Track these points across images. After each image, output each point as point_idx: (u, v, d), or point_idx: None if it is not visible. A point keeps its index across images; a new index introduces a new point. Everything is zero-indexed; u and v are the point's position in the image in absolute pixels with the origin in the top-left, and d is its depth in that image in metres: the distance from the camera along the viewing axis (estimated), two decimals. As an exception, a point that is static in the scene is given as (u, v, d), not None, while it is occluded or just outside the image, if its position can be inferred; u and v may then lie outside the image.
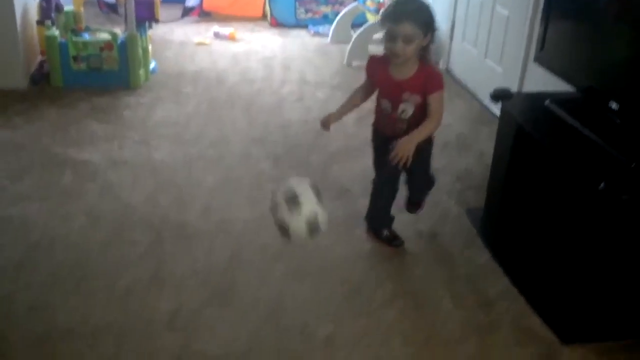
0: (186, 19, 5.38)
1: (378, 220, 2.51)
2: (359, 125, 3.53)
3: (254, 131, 3.44)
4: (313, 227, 1.87)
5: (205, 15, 5.47)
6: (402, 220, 2.62)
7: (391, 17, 2.09)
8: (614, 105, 2.06)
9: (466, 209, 2.72)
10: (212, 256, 2.38)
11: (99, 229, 2.51)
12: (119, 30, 3.98)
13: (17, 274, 2.22)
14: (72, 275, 2.23)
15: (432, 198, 2.74)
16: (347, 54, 4.48)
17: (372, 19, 4.62)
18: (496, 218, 2.52)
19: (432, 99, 2.16)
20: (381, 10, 4.44)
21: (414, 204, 2.56)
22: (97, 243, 2.42)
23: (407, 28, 2.06)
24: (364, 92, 2.37)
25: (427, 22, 2.11)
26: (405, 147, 2.10)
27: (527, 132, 2.23)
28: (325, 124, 2.37)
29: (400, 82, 2.18)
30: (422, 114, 2.19)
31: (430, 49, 2.18)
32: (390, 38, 2.09)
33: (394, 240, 2.48)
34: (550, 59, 2.43)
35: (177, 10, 5.36)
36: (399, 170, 2.33)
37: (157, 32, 4.89)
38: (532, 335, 2.08)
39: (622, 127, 2.02)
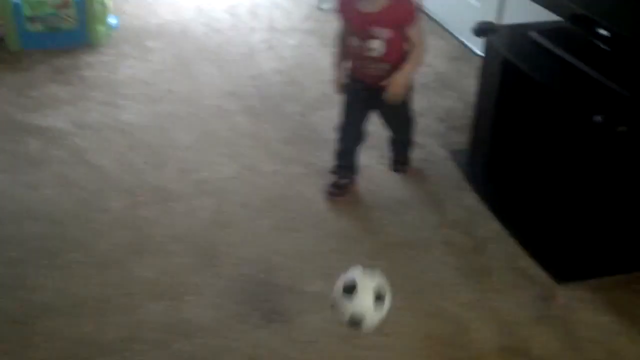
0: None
1: (344, 169, 2.39)
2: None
3: (225, 84, 3.28)
4: (355, 324, 1.65)
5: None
6: (384, 166, 2.54)
7: None
8: (603, 32, 1.96)
9: (451, 150, 2.64)
10: (192, 218, 2.28)
11: (69, 197, 2.38)
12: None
13: (-15, 251, 2.11)
14: (45, 249, 2.11)
15: (416, 140, 2.66)
16: (317, -4, 4.29)
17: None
18: (483, 159, 2.44)
19: (410, 31, 2.06)
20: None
21: (399, 161, 2.47)
22: (69, 212, 2.30)
23: None
24: (343, 37, 2.20)
25: None
26: (399, 82, 2.06)
27: (514, 67, 2.13)
28: (337, 87, 2.27)
29: (369, 15, 2.04)
30: (395, 51, 2.08)
31: None
32: None
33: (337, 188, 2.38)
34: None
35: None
36: (366, 114, 2.29)
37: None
38: (527, 277, 2.04)
39: (612, 55, 1.93)
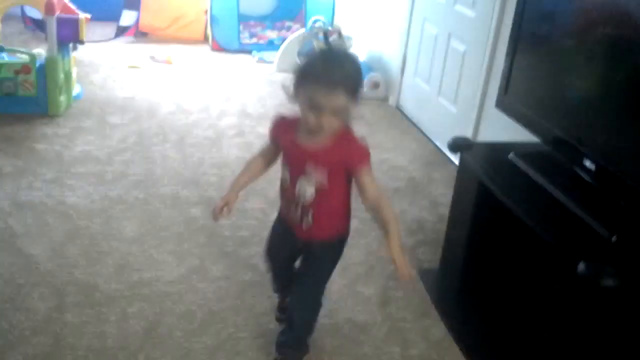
0: (120, 39, 5.00)
1: (285, 290, 2.02)
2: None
3: (186, 170, 3.08)
4: None
5: (141, 35, 5.10)
6: (347, 281, 2.32)
7: (322, 82, 1.53)
8: (589, 164, 1.81)
9: (420, 269, 2.43)
10: (124, 329, 2.00)
11: (-10, 292, 2.10)
12: (43, 51, 3.57)
13: None
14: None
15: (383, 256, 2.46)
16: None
17: (319, 46, 4.34)
18: (454, 283, 2.24)
19: (363, 175, 1.65)
20: (329, 39, 4.19)
21: (284, 343, 1.92)
22: (-15, 312, 2.02)
23: (341, 99, 1.53)
24: (265, 159, 1.84)
25: (359, 85, 1.60)
26: (405, 263, 1.62)
27: (489, 191, 1.96)
28: (217, 212, 1.83)
29: (308, 151, 1.65)
30: (323, 201, 1.69)
31: (350, 117, 1.63)
32: (314, 106, 1.54)
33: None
34: (515, 106, 2.18)
35: (110, 29, 4.97)
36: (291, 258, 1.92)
37: (86, 53, 4.50)
38: None
39: (598, 190, 1.78)
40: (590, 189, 1.80)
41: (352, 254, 2.47)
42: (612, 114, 1.78)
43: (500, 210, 1.91)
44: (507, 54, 2.22)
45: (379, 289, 2.31)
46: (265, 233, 2.56)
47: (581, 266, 1.52)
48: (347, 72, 1.57)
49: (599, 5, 1.87)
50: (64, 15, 3.52)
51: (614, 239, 1.60)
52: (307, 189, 1.69)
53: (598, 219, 1.67)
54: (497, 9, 2.93)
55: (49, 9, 3.44)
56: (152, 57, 4.63)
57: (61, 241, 2.41)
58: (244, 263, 2.40)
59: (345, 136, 1.65)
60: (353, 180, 1.70)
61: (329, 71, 1.55)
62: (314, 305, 1.88)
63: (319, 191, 1.68)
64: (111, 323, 2.02)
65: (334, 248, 1.82)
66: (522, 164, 2.00)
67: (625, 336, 1.61)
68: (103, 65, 4.44)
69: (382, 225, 1.67)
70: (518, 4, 2.19)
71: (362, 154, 1.67)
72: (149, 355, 1.90)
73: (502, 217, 1.93)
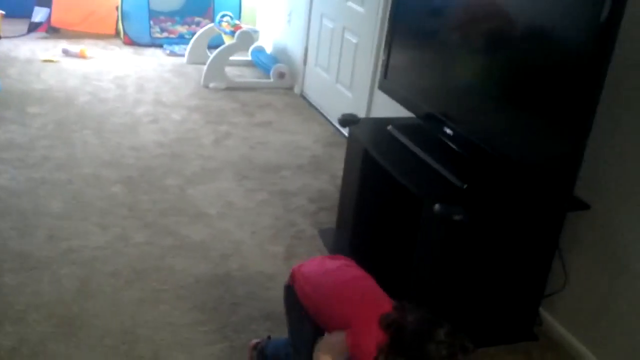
0: (33, 34, 5.10)
1: None
2: (217, 146, 3.55)
3: (105, 154, 3.32)
4: None
5: (53, 31, 5.21)
6: (256, 242, 2.66)
7: None
8: (448, 131, 2.24)
9: (319, 229, 2.82)
10: (58, 287, 2.26)
11: None
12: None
13: None
14: None
15: (287, 217, 2.83)
16: (203, 75, 4.47)
17: (228, 40, 4.65)
18: (347, 237, 2.64)
19: None
20: (237, 32, 4.50)
21: None
22: None
23: None
24: None
25: None
26: None
27: (371, 156, 2.36)
28: None
29: None
30: None
31: None
32: None
33: None
34: (393, 87, 2.60)
35: (23, 26, 5.07)
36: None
37: (1, 48, 4.59)
38: None
39: (456, 151, 2.21)
40: (450, 151, 2.23)
41: (263, 219, 2.83)
42: (465, 92, 2.21)
43: (379, 172, 2.32)
44: (385, 44, 2.64)
45: (285, 247, 2.67)
46: (182, 205, 2.88)
47: (437, 207, 1.93)
48: None
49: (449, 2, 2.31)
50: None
51: (464, 186, 2.03)
52: None
53: (453, 172, 2.09)
54: (382, 5, 3.35)
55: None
56: (66, 51, 4.77)
57: (-8, 218, 2.62)
58: (164, 231, 2.69)
59: None
60: None
61: None
62: None
63: None
64: (45, 283, 2.27)
65: None
66: (397, 134, 2.41)
67: (472, 261, 2.05)
68: (18, 60, 4.55)
69: None
70: (392, 2, 2.61)
71: None
72: (82, 306, 2.18)
73: (381, 177, 2.34)
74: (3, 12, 3.78)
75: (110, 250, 2.51)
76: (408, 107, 2.52)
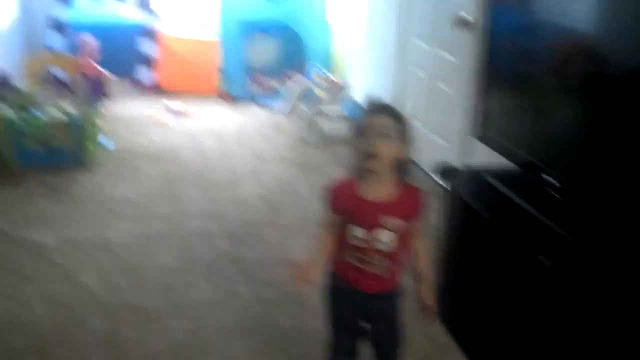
0: (141, 94, 5.46)
1: None
2: (315, 199, 3.63)
3: (211, 207, 3.48)
4: None
5: (159, 91, 5.55)
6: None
7: (367, 111, 1.79)
8: (551, 179, 2.20)
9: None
10: (169, 339, 2.37)
11: (55, 315, 2.48)
12: (69, 106, 4.00)
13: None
14: (28, 364, 2.19)
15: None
16: (300, 128, 4.61)
17: (320, 93, 4.78)
18: (450, 293, 2.60)
19: (416, 225, 1.84)
20: (329, 86, 4.63)
21: None
22: (54, 329, 2.39)
23: (384, 120, 1.73)
24: (332, 232, 1.85)
25: (404, 124, 1.78)
26: (430, 296, 1.89)
27: (472, 208, 2.35)
28: (304, 276, 1.81)
29: (377, 203, 1.77)
30: (402, 246, 1.82)
31: (407, 167, 1.81)
32: (364, 134, 1.73)
33: None
34: (491, 136, 2.58)
35: (131, 86, 5.43)
36: (360, 328, 1.95)
37: (111, 107, 4.94)
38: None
39: (562, 203, 2.16)
40: (554, 200, 2.18)
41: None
42: (568, 138, 2.18)
43: (481, 224, 2.30)
44: (480, 92, 2.65)
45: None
46: (282, 255, 2.95)
47: (542, 258, 1.90)
48: (390, 106, 1.81)
49: (544, 49, 2.30)
50: (92, 75, 3.98)
51: (571, 238, 1.98)
52: (387, 239, 1.77)
53: (559, 223, 2.05)
54: (474, 53, 3.36)
55: (80, 70, 3.90)
56: (171, 110, 5.07)
57: (109, 272, 2.80)
58: (269, 284, 2.76)
59: (407, 186, 1.81)
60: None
61: (374, 104, 1.83)
62: (400, 339, 1.99)
63: (396, 239, 1.78)
64: (157, 335, 2.39)
65: (400, 296, 1.94)
66: (497, 184, 2.39)
67: (580, 317, 1.98)
68: (126, 119, 4.87)
69: (418, 272, 1.87)
70: (486, 50, 2.63)
71: (421, 204, 1.83)
72: (192, 357, 2.27)
73: (483, 229, 2.31)
74: (111, 75, 4.07)
75: (218, 304, 2.60)
76: (507, 155, 2.49)
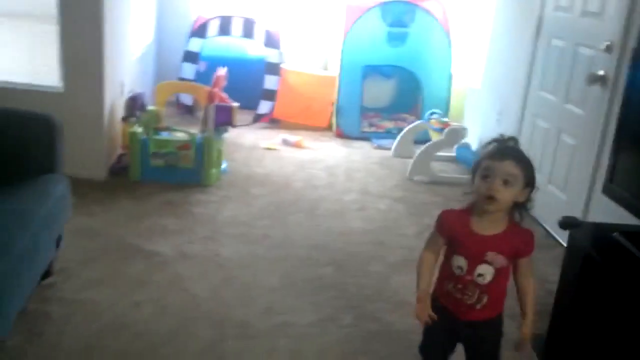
0: (257, 124, 5.67)
1: None
2: (419, 238, 3.59)
3: (317, 236, 3.53)
4: None
5: (274, 122, 5.75)
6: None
7: (493, 153, 1.82)
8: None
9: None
10: (274, 357, 2.41)
11: (165, 320, 2.59)
12: (193, 130, 4.22)
13: (86, 356, 2.31)
14: (137, 363, 2.29)
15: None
16: (409, 168, 4.61)
17: (435, 137, 4.78)
18: (561, 345, 2.48)
19: (526, 262, 1.89)
20: (445, 129, 4.61)
21: None
22: (163, 334, 2.49)
23: (510, 167, 1.78)
24: (435, 254, 1.97)
25: (529, 170, 1.83)
26: (530, 335, 1.90)
27: (595, 261, 2.24)
28: (424, 316, 1.90)
29: (486, 238, 1.84)
30: (499, 282, 1.87)
31: (525, 209, 1.88)
32: (486, 176, 1.79)
33: None
34: (619, 192, 2.47)
35: (249, 116, 5.67)
36: (450, 347, 2.04)
37: (229, 134, 5.16)
38: None
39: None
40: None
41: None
42: None
43: (602, 279, 2.19)
44: (612, 147, 2.56)
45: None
46: (386, 292, 2.94)
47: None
48: (518, 150, 1.85)
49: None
50: (220, 104, 4.19)
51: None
52: (487, 274, 1.84)
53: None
54: (605, 107, 3.25)
55: (210, 98, 4.13)
56: (285, 141, 5.23)
57: (218, 285, 2.89)
58: (370, 316, 2.76)
59: (517, 226, 1.87)
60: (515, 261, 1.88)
61: (501, 146, 1.84)
62: None
63: (497, 274, 1.84)
64: (261, 353, 2.43)
65: (500, 323, 1.98)
66: (624, 241, 2.27)
67: None
68: (243, 146, 5.07)
69: (522, 306, 1.91)
70: (623, 106, 2.54)
71: (532, 242, 1.88)
72: (294, 379, 2.29)
73: (603, 285, 2.20)
74: (238, 104, 4.27)
75: (319, 328, 2.62)
76: (634, 212, 2.38)
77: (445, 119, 4.94)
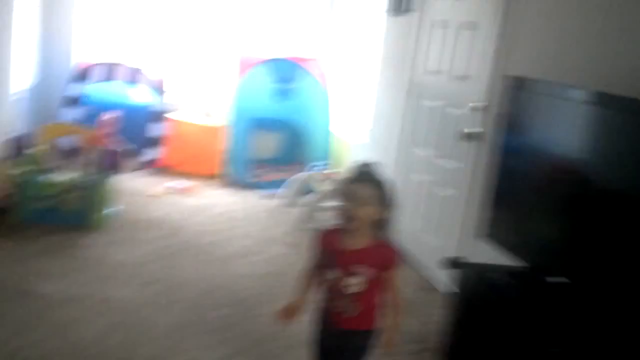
0: (142, 171, 5.62)
1: None
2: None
3: (205, 281, 3.55)
4: None
5: (161, 170, 5.72)
6: None
7: (352, 179, 2.12)
8: (554, 281, 2.34)
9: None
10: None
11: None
12: (78, 172, 4.14)
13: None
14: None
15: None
16: (296, 217, 4.77)
17: (319, 186, 4.99)
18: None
19: (391, 275, 2.15)
20: (328, 180, 4.84)
21: None
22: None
23: (366, 190, 2.06)
24: (317, 269, 2.24)
25: (384, 193, 2.10)
26: (393, 339, 2.16)
27: (473, 302, 2.48)
28: (288, 314, 2.25)
29: (353, 252, 2.12)
30: (368, 293, 2.13)
31: (385, 225, 2.14)
32: (347, 198, 2.07)
33: None
34: (496, 235, 2.72)
35: (135, 162, 5.60)
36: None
37: (116, 180, 5.08)
38: None
39: (566, 303, 2.28)
40: (558, 301, 2.30)
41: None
42: (571, 242, 2.34)
43: (481, 317, 2.42)
44: (488, 198, 2.84)
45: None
46: (280, 332, 3.02)
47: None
48: (372, 175, 2.12)
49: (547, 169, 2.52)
50: (106, 148, 4.17)
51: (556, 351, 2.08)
52: (356, 284, 2.09)
53: (561, 325, 2.16)
54: (471, 160, 3.61)
55: (98, 141, 4.10)
56: (171, 187, 5.22)
57: (102, 331, 2.85)
58: (268, 354, 2.82)
59: (379, 241, 2.13)
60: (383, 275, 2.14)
61: (358, 173, 2.13)
62: None
63: (364, 285, 2.09)
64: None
65: (370, 338, 2.20)
66: (501, 281, 2.50)
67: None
68: (129, 192, 4.99)
69: (390, 315, 2.18)
70: (492, 162, 2.85)
71: (395, 257, 2.15)
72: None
73: (482, 322, 2.43)
74: (123, 150, 4.26)
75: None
76: (511, 254, 2.61)
77: (328, 170, 5.18)
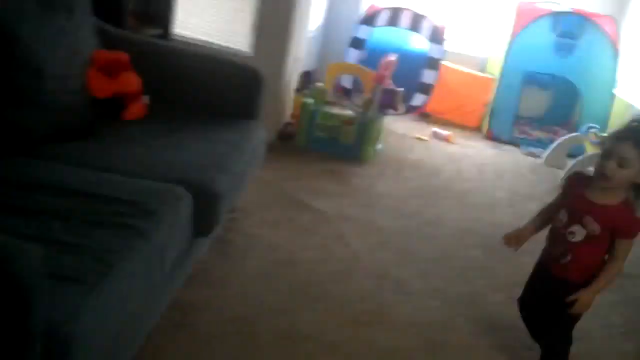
0: (408, 115, 5.86)
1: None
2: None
3: (466, 222, 3.67)
4: None
5: (424, 115, 5.91)
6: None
7: (615, 135, 1.97)
8: None
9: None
10: (427, 316, 2.60)
11: (329, 265, 2.87)
12: (353, 110, 4.48)
13: (265, 279, 2.64)
14: (308, 294, 2.58)
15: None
16: (563, 176, 4.61)
17: (591, 150, 4.74)
18: None
19: (620, 244, 2.02)
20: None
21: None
22: (329, 275, 2.77)
23: (627, 149, 1.89)
24: (553, 208, 2.23)
25: None
26: (586, 301, 2.06)
27: None
28: (513, 241, 2.27)
29: (592, 204, 2.02)
30: (587, 249, 2.06)
31: None
32: (604, 155, 1.95)
33: None
34: None
35: (403, 105, 5.87)
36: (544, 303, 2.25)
37: (385, 120, 5.40)
38: None
39: None
40: None
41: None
42: None
43: None
44: None
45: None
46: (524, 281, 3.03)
47: None
48: (638, 134, 1.92)
49: None
50: (387, 87, 4.43)
51: None
52: (578, 234, 2.05)
53: None
54: None
55: (380, 80, 4.38)
56: (435, 133, 5.38)
57: (375, 245, 3.14)
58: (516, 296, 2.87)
59: (626, 208, 2.00)
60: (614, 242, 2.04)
61: (626, 127, 1.98)
62: (565, 343, 2.21)
63: (586, 239, 2.03)
64: (417, 310, 2.64)
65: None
66: None
67: None
68: (395, 133, 5.26)
69: (600, 280, 2.07)
70: None
71: (634, 227, 2.00)
72: (447, 331, 2.46)
73: None
74: (402, 90, 4.49)
75: (469, 299, 2.79)
76: None
77: (605, 134, 4.87)
